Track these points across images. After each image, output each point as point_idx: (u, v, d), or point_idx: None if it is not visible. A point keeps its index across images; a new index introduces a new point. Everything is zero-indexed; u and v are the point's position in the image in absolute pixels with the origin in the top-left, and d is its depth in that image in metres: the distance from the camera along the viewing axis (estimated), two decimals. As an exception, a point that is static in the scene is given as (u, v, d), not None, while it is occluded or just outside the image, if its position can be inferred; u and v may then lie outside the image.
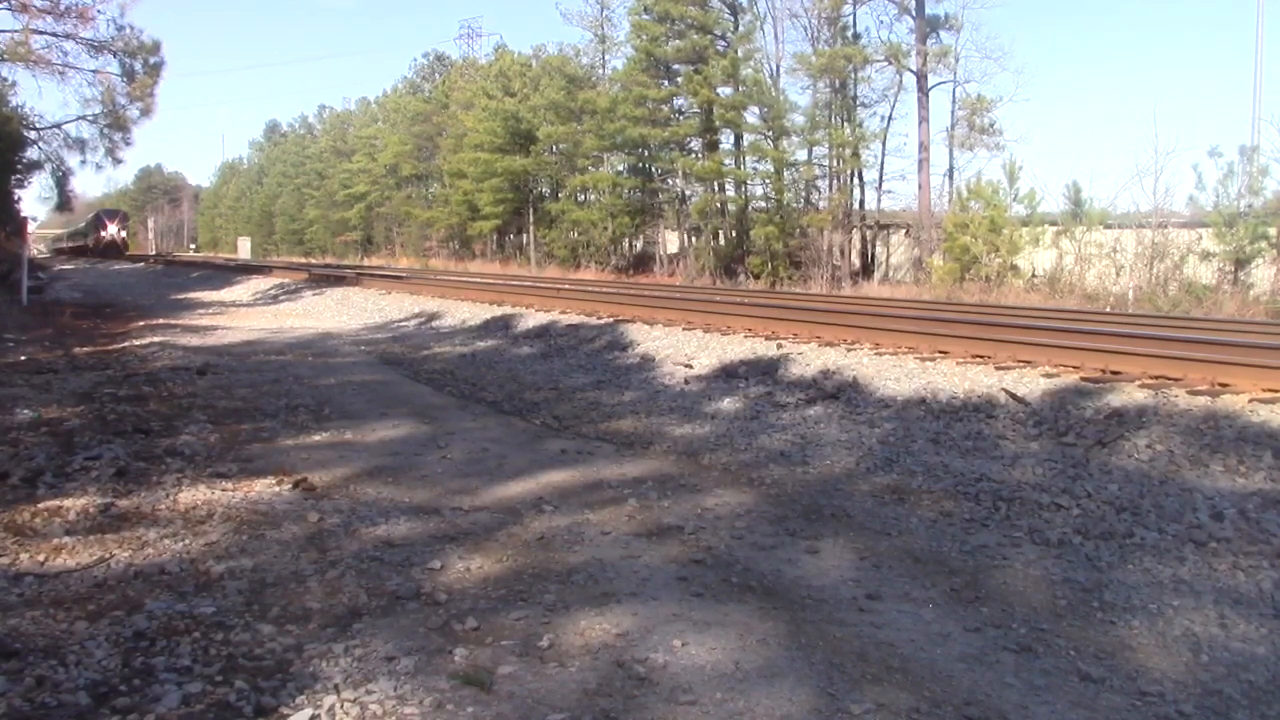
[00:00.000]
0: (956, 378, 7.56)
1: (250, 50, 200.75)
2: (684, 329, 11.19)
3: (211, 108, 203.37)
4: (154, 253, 74.49)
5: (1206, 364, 7.02)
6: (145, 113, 28.20)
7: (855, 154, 30.44)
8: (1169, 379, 6.89)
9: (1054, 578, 4.22)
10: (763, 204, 32.68)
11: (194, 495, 5.21)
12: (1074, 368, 7.48)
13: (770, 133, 31.90)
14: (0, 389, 8.33)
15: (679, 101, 35.03)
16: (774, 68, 32.88)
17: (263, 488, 5.39)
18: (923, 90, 29.72)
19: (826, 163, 31.21)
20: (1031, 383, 7.15)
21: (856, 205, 31.34)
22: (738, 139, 33.74)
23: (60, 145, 30.21)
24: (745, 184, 33.66)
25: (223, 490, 5.31)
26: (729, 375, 8.85)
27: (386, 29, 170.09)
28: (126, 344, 12.40)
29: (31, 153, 30.32)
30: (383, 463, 6.11)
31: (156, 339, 12.91)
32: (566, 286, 20.46)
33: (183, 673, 3.09)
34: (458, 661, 3.28)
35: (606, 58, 42.31)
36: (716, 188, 34.23)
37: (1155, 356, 7.42)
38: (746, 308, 12.73)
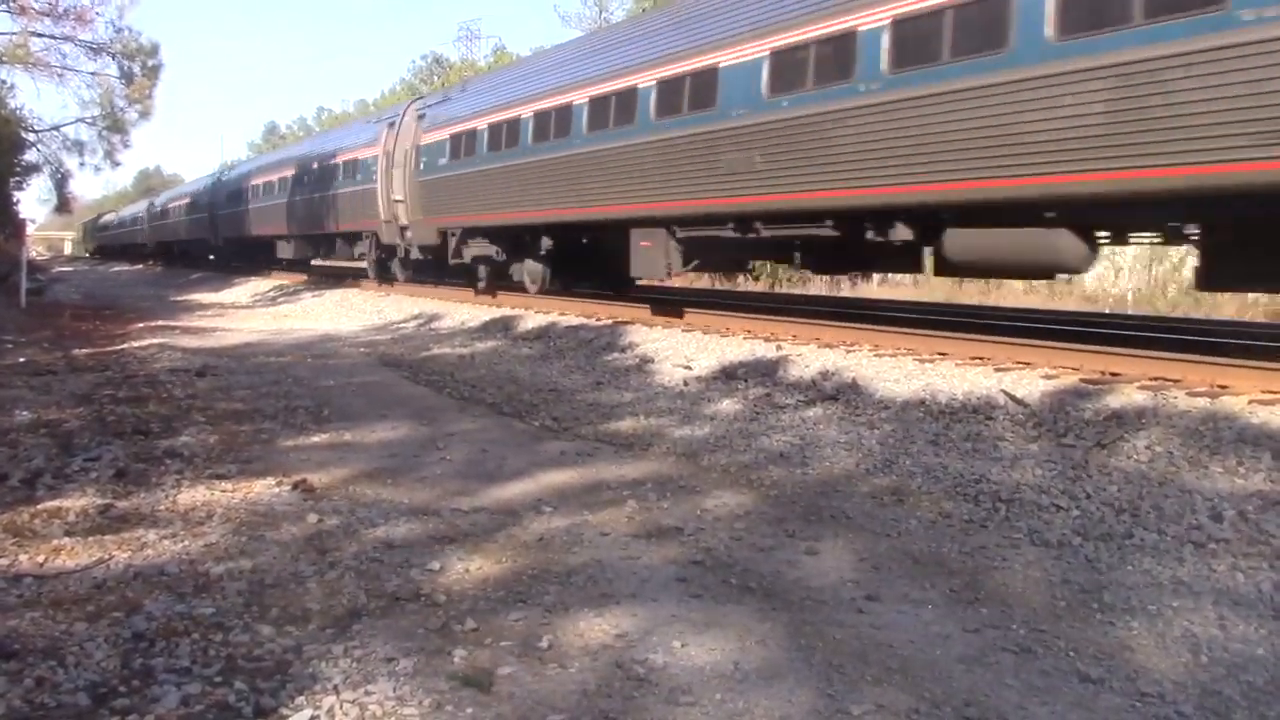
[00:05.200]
0: (956, 379, 7.56)
1: (250, 51, 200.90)
2: (683, 330, 11.18)
3: (210, 109, 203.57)
4: None
5: (1206, 365, 7.01)
6: (144, 115, 28.36)
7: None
8: (1168, 380, 6.88)
9: (1053, 579, 4.22)
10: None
11: (193, 496, 5.21)
12: (1073, 369, 7.47)
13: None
14: (0, 390, 8.34)
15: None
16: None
17: (262, 489, 5.39)
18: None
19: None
20: (1030, 384, 7.15)
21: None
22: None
23: (59, 147, 30.36)
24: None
25: (222, 491, 5.31)
26: (728, 376, 8.85)
27: (385, 30, 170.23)
28: (126, 346, 12.39)
29: (30, 155, 30.45)
30: (382, 464, 6.11)
31: (156, 341, 12.90)
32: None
33: (182, 674, 3.10)
34: (457, 662, 3.28)
35: (606, 59, 42.31)
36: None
37: (1154, 358, 7.42)
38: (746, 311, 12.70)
